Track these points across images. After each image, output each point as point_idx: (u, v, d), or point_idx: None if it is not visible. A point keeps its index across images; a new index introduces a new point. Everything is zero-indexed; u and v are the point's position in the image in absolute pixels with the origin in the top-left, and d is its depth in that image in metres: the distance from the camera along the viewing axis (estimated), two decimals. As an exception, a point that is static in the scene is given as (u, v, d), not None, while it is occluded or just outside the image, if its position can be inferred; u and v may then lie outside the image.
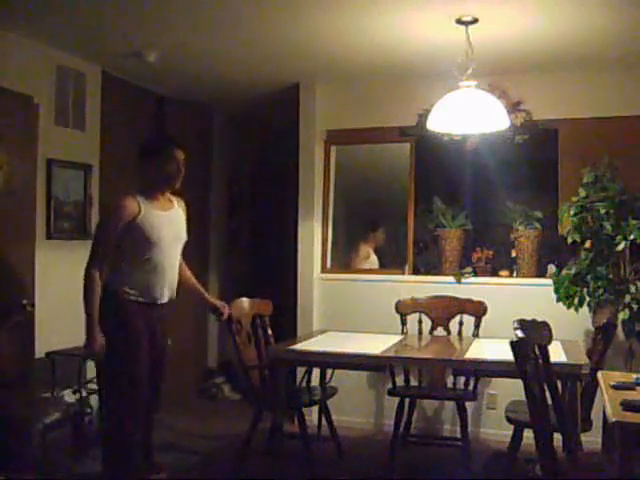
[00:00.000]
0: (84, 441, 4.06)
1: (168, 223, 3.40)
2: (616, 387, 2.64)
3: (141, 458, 3.47)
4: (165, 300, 3.44)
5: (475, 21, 3.62)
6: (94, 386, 4.40)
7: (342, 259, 5.25)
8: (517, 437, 3.56)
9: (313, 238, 5.10)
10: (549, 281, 4.29)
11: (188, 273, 3.70)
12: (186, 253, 3.66)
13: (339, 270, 5.14)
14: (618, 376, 2.91)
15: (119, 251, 3.33)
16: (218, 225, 6.25)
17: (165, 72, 4.83)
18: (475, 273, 4.77)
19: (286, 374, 3.83)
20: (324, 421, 4.27)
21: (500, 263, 4.79)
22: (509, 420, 3.56)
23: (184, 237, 3.53)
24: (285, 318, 5.12)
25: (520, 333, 2.25)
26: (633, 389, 2.63)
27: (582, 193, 4.13)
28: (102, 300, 3.27)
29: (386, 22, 3.75)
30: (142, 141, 5.23)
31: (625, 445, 2.19)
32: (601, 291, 4.00)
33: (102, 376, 3.61)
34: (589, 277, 4.05)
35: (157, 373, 3.50)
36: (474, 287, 4.65)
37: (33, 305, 4.02)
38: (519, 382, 2.27)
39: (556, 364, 2.95)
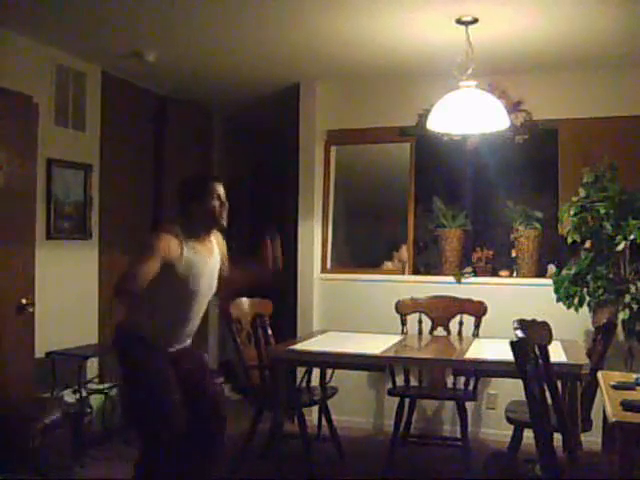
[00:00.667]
0: (84, 441, 4.06)
1: (208, 270, 3.07)
2: (616, 387, 2.64)
3: None
4: (181, 347, 3.12)
5: (475, 21, 3.62)
6: (94, 386, 4.41)
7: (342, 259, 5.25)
8: (517, 437, 3.56)
9: (313, 238, 5.10)
10: (549, 281, 4.29)
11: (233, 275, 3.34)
12: None
13: (339, 270, 5.14)
14: (618, 376, 2.91)
15: (149, 292, 2.81)
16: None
17: (165, 72, 4.83)
18: (475, 273, 4.77)
19: (286, 374, 3.83)
20: (324, 421, 4.27)
21: (500, 263, 4.79)
22: (509, 420, 3.56)
23: (215, 287, 3.18)
24: (285, 318, 5.12)
25: (520, 333, 2.25)
26: (633, 389, 2.63)
27: (582, 193, 4.13)
28: (121, 341, 3.02)
29: (386, 22, 3.75)
30: (142, 141, 5.28)
31: (625, 445, 2.19)
32: (601, 291, 4.00)
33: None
34: (589, 277, 4.05)
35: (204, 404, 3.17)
36: (474, 287, 4.65)
37: (33, 305, 4.02)
38: (519, 382, 2.27)
39: (556, 364, 2.95)
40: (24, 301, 3.96)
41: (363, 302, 4.93)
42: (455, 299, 4.43)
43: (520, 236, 4.65)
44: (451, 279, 4.77)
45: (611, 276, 4.00)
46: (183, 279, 2.94)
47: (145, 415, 2.96)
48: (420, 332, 4.39)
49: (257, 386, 3.91)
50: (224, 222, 3.13)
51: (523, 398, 2.31)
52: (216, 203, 3.07)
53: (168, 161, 5.45)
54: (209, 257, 3.08)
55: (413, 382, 4.34)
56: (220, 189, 3.12)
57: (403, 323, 4.41)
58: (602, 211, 3.98)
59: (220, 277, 3.20)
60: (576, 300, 4.07)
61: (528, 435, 3.11)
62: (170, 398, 2.93)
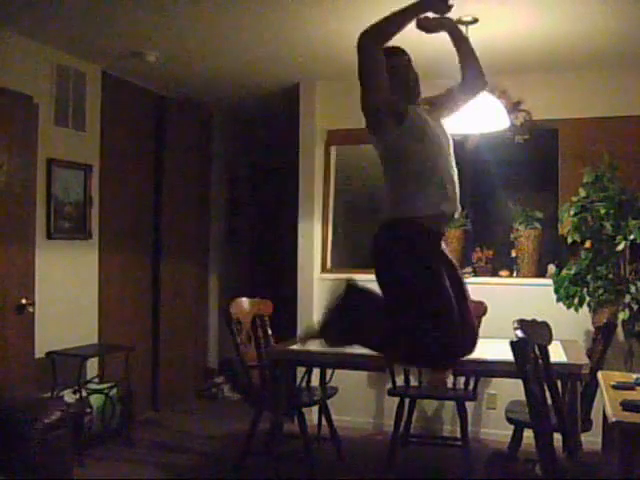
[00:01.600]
0: (84, 441, 4.06)
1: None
2: (616, 387, 2.65)
3: None
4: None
5: (475, 21, 3.62)
6: (94, 386, 4.41)
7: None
8: (517, 437, 3.56)
9: (313, 238, 5.09)
10: (549, 281, 4.29)
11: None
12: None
13: (339, 270, 5.14)
14: (618, 376, 2.91)
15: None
16: (218, 225, 6.26)
17: (165, 72, 4.83)
18: (475, 273, 4.76)
19: (286, 374, 3.83)
20: (324, 421, 4.27)
21: (500, 263, 4.78)
22: (509, 420, 3.56)
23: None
24: (285, 318, 5.12)
25: (520, 333, 2.25)
26: (633, 389, 2.63)
27: (582, 193, 4.13)
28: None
29: (386, 22, 3.75)
30: (142, 141, 5.28)
31: (625, 445, 2.19)
32: (601, 291, 4.00)
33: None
34: (589, 277, 4.05)
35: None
36: (474, 287, 4.62)
37: (33, 305, 4.02)
38: (519, 382, 2.28)
39: (556, 364, 2.96)
40: (24, 301, 3.96)
41: (363, 302, 4.92)
42: (455, 299, 4.42)
43: (520, 236, 4.65)
44: (451, 279, 4.76)
45: (611, 276, 4.01)
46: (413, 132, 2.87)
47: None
48: (420, 332, 4.38)
49: (257, 386, 3.92)
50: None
51: (523, 398, 2.31)
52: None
53: (168, 161, 5.45)
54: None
55: (413, 382, 4.33)
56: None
57: (403, 323, 4.40)
58: (602, 211, 3.98)
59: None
60: (576, 300, 4.07)
61: (528, 435, 3.11)
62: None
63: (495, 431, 4.54)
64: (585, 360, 3.39)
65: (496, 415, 4.48)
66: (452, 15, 3.56)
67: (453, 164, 2.84)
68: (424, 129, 2.84)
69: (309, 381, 4.28)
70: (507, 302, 4.46)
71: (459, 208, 2.82)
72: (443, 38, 3.88)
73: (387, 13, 2.76)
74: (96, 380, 4.52)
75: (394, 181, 2.97)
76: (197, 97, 5.60)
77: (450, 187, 2.77)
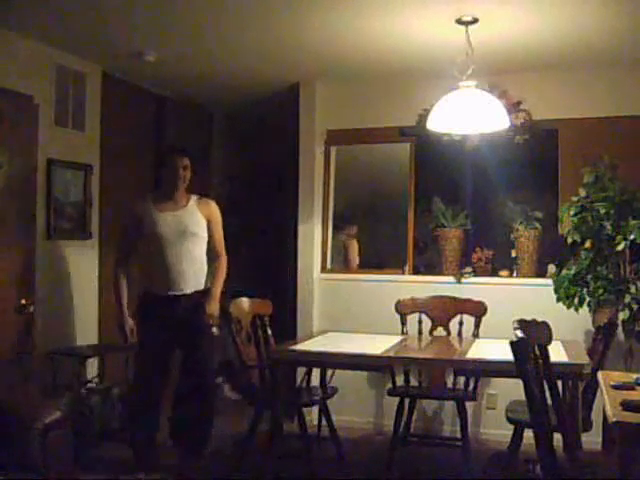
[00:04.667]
0: (84, 441, 4.06)
1: (174, 221, 3.77)
2: (616, 387, 2.64)
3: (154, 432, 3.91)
4: (181, 292, 3.77)
5: (475, 21, 3.62)
6: (94, 386, 4.41)
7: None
8: (517, 437, 3.56)
9: (313, 238, 5.10)
10: (549, 281, 4.29)
11: (216, 270, 3.97)
12: None
13: (339, 270, 5.14)
14: (618, 376, 2.90)
15: (137, 252, 3.86)
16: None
17: (165, 72, 4.83)
18: (475, 273, 4.77)
19: (286, 374, 3.84)
20: (324, 421, 4.27)
21: (500, 263, 4.78)
22: (509, 420, 3.56)
23: (197, 232, 3.83)
24: (285, 318, 5.12)
25: (520, 333, 2.25)
26: (633, 389, 2.62)
27: (582, 193, 4.13)
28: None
29: (386, 22, 3.75)
30: (141, 141, 5.28)
31: (625, 445, 2.19)
32: (601, 291, 4.00)
33: None
34: (589, 277, 4.05)
35: (194, 358, 3.82)
36: (474, 287, 4.65)
37: (33, 305, 4.02)
38: (519, 382, 2.27)
39: (557, 364, 2.96)
40: (24, 301, 3.96)
41: (363, 302, 4.93)
42: (455, 299, 4.43)
43: (520, 236, 4.65)
44: (451, 279, 4.77)
45: (611, 276, 4.01)
46: (145, 228, 3.77)
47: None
48: (420, 332, 4.38)
49: (257, 386, 3.92)
50: (178, 187, 3.86)
51: (523, 398, 2.31)
52: (173, 173, 3.84)
53: (168, 161, 5.44)
54: (179, 209, 3.83)
55: (413, 382, 4.33)
56: (179, 162, 3.87)
57: (403, 323, 4.41)
58: (602, 211, 3.98)
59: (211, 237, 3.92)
60: (576, 300, 4.07)
61: (528, 435, 3.11)
62: (146, 335, 3.81)
63: (495, 431, 4.54)
64: (587, 360, 3.39)
65: (496, 415, 4.48)
66: (452, 15, 3.59)
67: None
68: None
69: (309, 381, 4.27)
70: (507, 302, 4.46)
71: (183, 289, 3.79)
72: (443, 38, 3.90)
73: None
74: (96, 380, 4.52)
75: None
76: (197, 97, 5.60)
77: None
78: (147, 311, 3.81)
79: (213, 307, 3.80)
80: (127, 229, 3.88)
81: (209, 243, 3.91)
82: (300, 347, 3.88)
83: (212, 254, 3.93)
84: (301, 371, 4.35)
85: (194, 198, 3.93)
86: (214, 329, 3.85)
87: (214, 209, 3.97)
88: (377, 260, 5.17)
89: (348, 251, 5.19)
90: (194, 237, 3.81)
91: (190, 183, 3.95)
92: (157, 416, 3.86)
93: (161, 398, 3.85)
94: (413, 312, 4.44)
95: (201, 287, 3.85)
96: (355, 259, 5.19)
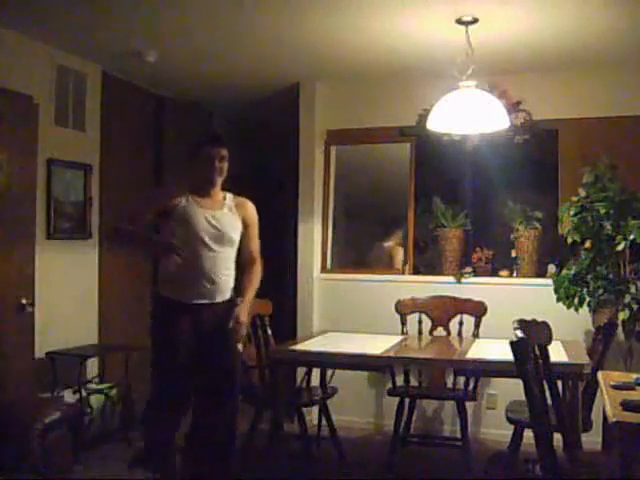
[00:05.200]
0: (84, 441, 4.06)
1: (213, 223, 3.28)
2: (616, 387, 2.64)
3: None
4: (210, 301, 3.27)
5: (475, 21, 3.62)
6: (94, 386, 4.41)
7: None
8: (517, 437, 3.56)
9: (313, 238, 5.10)
10: (549, 281, 4.29)
11: (251, 277, 3.44)
12: None
13: (339, 270, 5.14)
14: (618, 376, 2.90)
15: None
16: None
17: (165, 72, 4.82)
18: (475, 273, 4.77)
19: (286, 374, 3.83)
20: (324, 421, 4.27)
21: (500, 263, 4.78)
22: (509, 420, 3.56)
23: (233, 238, 3.34)
24: (285, 318, 5.12)
25: (520, 333, 2.25)
26: (633, 389, 2.62)
27: (582, 193, 4.13)
28: (152, 302, 3.34)
29: (386, 22, 3.75)
30: (141, 141, 5.28)
31: (625, 445, 2.19)
32: (601, 291, 4.00)
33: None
34: (589, 277, 4.05)
35: (219, 374, 3.29)
36: (474, 287, 4.65)
37: (33, 305, 4.02)
38: (519, 382, 2.27)
39: (557, 364, 2.96)
40: (24, 301, 3.96)
41: (363, 302, 4.93)
42: (455, 299, 4.43)
43: (520, 236, 4.65)
44: (451, 279, 4.77)
45: (611, 276, 4.01)
46: (184, 224, 3.23)
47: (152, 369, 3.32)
48: (420, 332, 4.39)
49: (257, 386, 3.92)
50: (215, 182, 3.37)
51: (523, 398, 2.31)
52: (208, 166, 3.33)
53: (168, 161, 5.45)
54: (213, 210, 3.32)
55: (413, 382, 4.33)
56: (215, 153, 3.35)
57: (403, 323, 4.41)
58: (602, 211, 3.98)
59: (242, 243, 3.42)
60: (576, 300, 4.07)
61: (528, 435, 3.11)
62: (169, 344, 3.23)
63: (495, 431, 4.54)
64: (587, 360, 3.39)
65: (496, 415, 4.48)
66: (452, 15, 3.59)
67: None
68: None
69: (309, 381, 4.27)
70: (507, 302, 4.46)
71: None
72: (443, 38, 3.90)
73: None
74: (96, 380, 4.52)
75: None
76: (197, 97, 5.60)
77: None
78: (168, 318, 3.25)
79: (244, 316, 3.30)
80: (151, 210, 3.33)
81: (243, 248, 3.43)
82: (300, 347, 3.88)
83: (245, 259, 3.45)
84: (301, 371, 4.35)
85: (229, 197, 3.44)
86: (239, 345, 3.40)
87: (252, 210, 3.49)
88: (376, 260, 5.17)
89: (394, 259, 5.13)
90: (231, 243, 3.33)
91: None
92: (179, 418, 3.32)
93: (187, 399, 3.33)
94: (413, 312, 4.44)
95: (228, 296, 3.35)
96: (399, 264, 5.06)
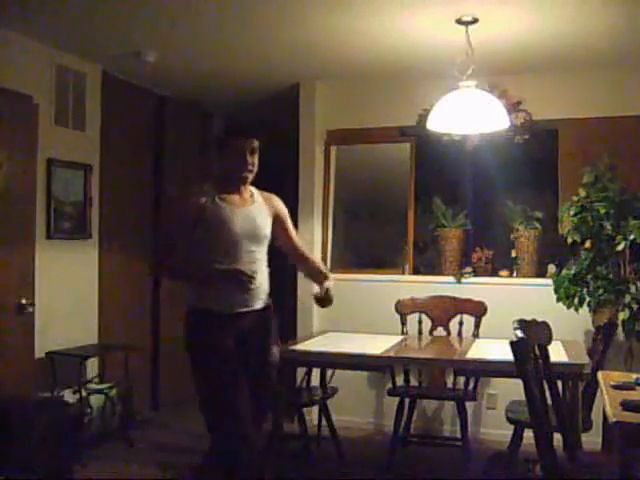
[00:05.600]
0: (84, 441, 4.06)
1: (246, 220, 2.97)
2: (616, 387, 2.64)
3: None
4: (250, 309, 2.97)
5: (475, 21, 3.62)
6: (94, 386, 4.41)
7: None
8: (517, 437, 3.56)
9: (313, 238, 5.09)
10: (549, 281, 4.29)
11: (306, 254, 3.28)
12: None
13: (339, 270, 5.14)
14: (618, 376, 2.90)
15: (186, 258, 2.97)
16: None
17: (165, 72, 4.82)
18: (475, 273, 4.77)
19: (286, 374, 3.83)
20: (324, 421, 4.27)
21: (500, 263, 4.78)
22: (509, 420, 3.56)
23: (267, 235, 3.06)
24: (285, 318, 5.11)
25: (520, 333, 2.25)
26: (633, 389, 2.62)
27: (582, 193, 4.13)
28: (185, 316, 3.00)
29: (386, 22, 3.75)
30: (141, 141, 5.28)
31: (625, 445, 2.19)
32: (601, 291, 4.00)
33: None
34: (589, 277, 4.05)
35: (257, 389, 3.03)
36: (474, 287, 4.65)
37: (33, 305, 4.02)
38: (519, 382, 2.27)
39: (558, 364, 2.96)
40: (24, 301, 3.96)
41: (363, 302, 4.93)
42: (455, 299, 4.43)
43: (520, 236, 4.65)
44: (451, 279, 4.77)
45: (611, 276, 4.01)
46: (215, 225, 2.91)
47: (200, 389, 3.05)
48: (420, 332, 4.39)
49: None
50: (246, 178, 3.06)
51: (523, 398, 2.31)
52: (237, 160, 3.03)
53: (168, 161, 5.45)
54: (244, 206, 3.02)
55: (413, 382, 4.34)
56: (246, 145, 3.09)
57: (403, 323, 4.41)
58: (602, 211, 3.98)
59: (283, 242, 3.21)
60: (576, 300, 4.07)
61: (528, 435, 3.11)
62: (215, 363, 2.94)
63: (495, 431, 4.54)
64: (587, 360, 3.39)
65: (496, 415, 4.48)
66: (452, 15, 3.59)
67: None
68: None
69: (309, 381, 4.28)
70: (507, 302, 4.46)
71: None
72: (443, 38, 3.90)
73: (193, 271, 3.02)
74: (96, 380, 4.52)
75: None
76: (197, 97, 5.60)
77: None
78: (212, 332, 2.92)
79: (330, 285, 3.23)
80: (180, 223, 2.93)
81: (287, 247, 3.22)
82: (300, 347, 3.87)
83: (297, 258, 3.26)
84: (301, 371, 4.35)
85: (256, 192, 3.16)
86: (275, 349, 3.14)
87: (281, 203, 3.23)
88: (376, 260, 5.17)
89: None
90: (266, 240, 3.05)
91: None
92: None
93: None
94: (413, 312, 4.44)
95: (266, 301, 3.07)
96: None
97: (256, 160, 3.09)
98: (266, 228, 3.06)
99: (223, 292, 2.91)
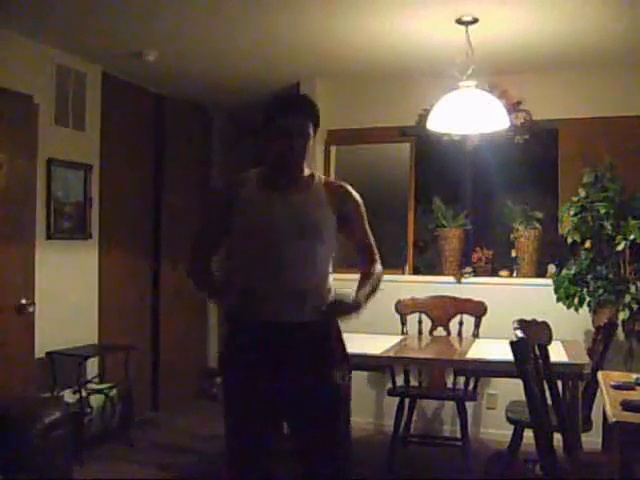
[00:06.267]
0: (84, 441, 4.06)
1: (289, 208, 2.39)
2: (616, 387, 2.65)
3: None
4: (297, 320, 2.33)
5: (475, 21, 3.62)
6: (94, 386, 4.41)
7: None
8: (517, 437, 3.56)
9: (313, 238, 5.08)
10: (549, 281, 4.29)
11: (368, 279, 2.62)
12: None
13: (339, 270, 5.12)
14: (618, 376, 2.91)
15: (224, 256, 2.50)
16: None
17: (165, 72, 4.82)
18: (475, 273, 4.76)
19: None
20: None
21: (500, 263, 4.78)
22: (509, 420, 3.56)
23: (322, 229, 2.47)
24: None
25: (520, 333, 2.25)
26: (633, 389, 2.63)
27: (582, 193, 4.13)
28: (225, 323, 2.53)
29: (386, 22, 3.75)
30: (142, 141, 5.28)
31: (625, 445, 2.19)
32: (601, 291, 4.00)
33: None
34: (589, 277, 4.05)
35: (323, 440, 2.38)
36: (474, 287, 4.65)
37: (33, 305, 4.02)
38: (519, 382, 2.27)
39: (557, 364, 2.96)
40: (24, 301, 3.96)
41: (363, 302, 4.92)
42: (455, 299, 4.43)
43: (520, 236, 4.65)
44: (451, 279, 4.77)
45: (611, 276, 4.01)
46: (244, 215, 2.40)
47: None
48: (420, 332, 4.39)
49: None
50: (291, 161, 2.44)
51: (523, 398, 2.31)
52: (282, 140, 2.41)
53: (168, 161, 5.45)
54: (290, 193, 2.42)
55: (413, 382, 4.33)
56: (290, 122, 2.42)
57: (403, 323, 4.41)
58: (602, 211, 3.99)
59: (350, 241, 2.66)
60: (576, 300, 4.07)
61: (528, 435, 3.11)
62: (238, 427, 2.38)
63: (495, 431, 4.54)
64: (587, 360, 3.39)
65: (496, 415, 4.48)
66: (452, 15, 3.59)
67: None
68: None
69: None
70: (507, 302, 4.46)
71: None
72: (443, 38, 3.90)
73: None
74: (96, 380, 4.52)
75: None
76: (197, 97, 5.60)
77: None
78: (238, 353, 2.39)
79: (362, 298, 2.46)
80: (209, 219, 2.56)
81: (352, 245, 2.71)
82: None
83: (363, 260, 2.69)
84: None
85: (318, 177, 2.54)
86: (340, 375, 2.40)
87: (352, 195, 2.58)
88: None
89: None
90: (318, 234, 2.44)
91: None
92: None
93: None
94: (413, 312, 4.44)
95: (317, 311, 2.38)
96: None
97: (310, 141, 2.47)
98: (318, 219, 2.44)
99: (259, 294, 2.34)
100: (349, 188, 2.58)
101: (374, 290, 2.55)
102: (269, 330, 2.33)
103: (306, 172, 2.50)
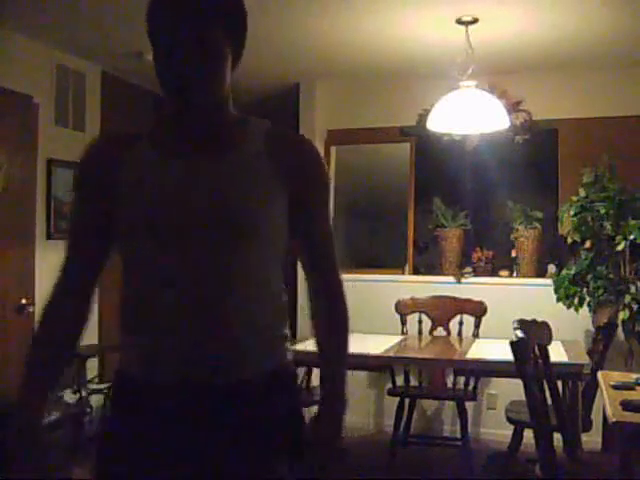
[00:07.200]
0: (84, 441, 4.06)
1: (195, 183, 1.40)
2: (616, 387, 2.64)
3: None
4: (212, 378, 1.38)
5: (475, 21, 3.62)
6: (94, 386, 4.41)
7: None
8: (517, 437, 3.56)
9: (313, 238, 5.08)
10: (549, 281, 4.29)
11: (331, 323, 1.64)
12: None
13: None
14: (618, 376, 2.91)
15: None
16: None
17: (165, 72, 4.82)
18: (475, 273, 4.76)
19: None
20: (324, 421, 4.26)
21: (500, 263, 4.78)
22: (509, 420, 3.56)
23: (256, 218, 1.40)
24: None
25: (520, 333, 2.26)
26: (633, 389, 2.63)
27: (582, 193, 4.13)
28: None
29: (386, 22, 3.75)
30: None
31: (625, 445, 2.19)
32: (601, 291, 4.00)
33: None
34: (589, 277, 4.05)
35: None
36: (474, 287, 4.65)
37: (33, 305, 4.01)
38: (519, 382, 2.28)
39: (557, 364, 2.96)
40: (24, 301, 3.96)
41: (363, 302, 4.90)
42: (455, 299, 4.43)
43: (520, 236, 4.65)
44: (451, 279, 4.77)
45: (611, 276, 4.01)
46: (128, 210, 1.42)
47: None
48: (420, 332, 4.39)
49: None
50: (186, 88, 1.53)
51: (523, 398, 2.32)
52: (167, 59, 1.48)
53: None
54: (194, 162, 1.43)
55: (413, 382, 4.33)
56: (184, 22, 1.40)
57: (403, 323, 4.41)
58: (602, 211, 3.99)
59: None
60: (576, 300, 4.07)
61: (528, 435, 3.12)
62: None
63: (495, 431, 4.54)
64: (586, 360, 3.40)
65: (496, 415, 4.48)
66: (452, 15, 3.59)
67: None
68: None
69: (309, 381, 4.27)
70: (507, 302, 4.46)
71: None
72: (443, 38, 3.90)
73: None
74: (96, 380, 4.51)
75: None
76: (197, 97, 5.60)
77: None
78: (121, 429, 1.57)
79: (332, 432, 1.52)
80: (77, 217, 1.60)
81: (298, 246, 1.66)
82: (300, 347, 3.87)
83: (311, 277, 1.69)
84: (301, 371, 4.35)
85: (256, 125, 1.59)
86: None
87: (312, 156, 1.53)
88: (377, 260, 5.17)
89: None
90: (255, 229, 1.40)
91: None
92: None
93: None
94: (413, 312, 4.44)
95: (266, 365, 1.44)
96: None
97: (215, 52, 1.53)
98: (257, 202, 1.41)
99: (147, 332, 1.50)
100: (311, 145, 1.54)
101: (345, 361, 1.61)
102: (166, 398, 1.40)
103: (231, 117, 1.57)
